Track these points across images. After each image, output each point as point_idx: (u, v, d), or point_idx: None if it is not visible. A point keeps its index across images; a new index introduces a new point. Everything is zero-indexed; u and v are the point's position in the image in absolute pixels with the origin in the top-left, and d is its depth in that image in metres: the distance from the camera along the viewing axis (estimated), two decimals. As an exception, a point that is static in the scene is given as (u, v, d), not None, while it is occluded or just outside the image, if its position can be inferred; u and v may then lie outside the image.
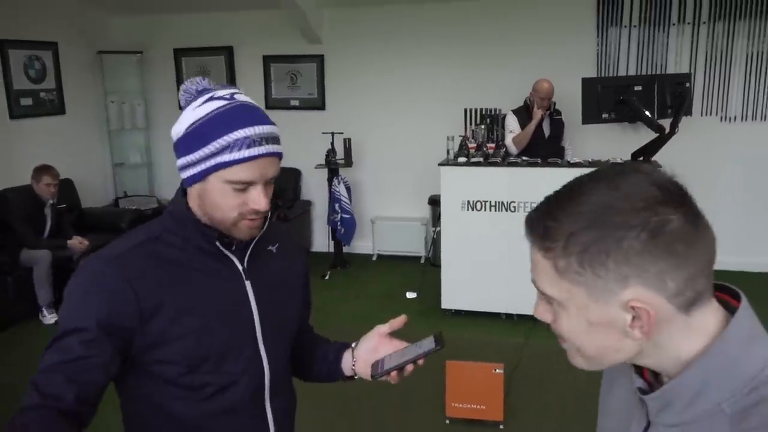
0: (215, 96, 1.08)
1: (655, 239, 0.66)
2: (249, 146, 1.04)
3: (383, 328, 1.27)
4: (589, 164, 4.34)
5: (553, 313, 0.75)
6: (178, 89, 5.59)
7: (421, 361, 1.19)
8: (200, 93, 1.11)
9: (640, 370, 0.79)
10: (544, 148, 4.89)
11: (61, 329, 1.04)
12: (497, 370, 3.16)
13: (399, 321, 1.26)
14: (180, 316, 1.09)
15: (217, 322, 1.12)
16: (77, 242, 4.99)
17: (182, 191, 1.17)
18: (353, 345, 1.31)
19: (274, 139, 1.09)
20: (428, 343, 1.19)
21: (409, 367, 1.19)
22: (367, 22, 6.13)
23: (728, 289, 0.75)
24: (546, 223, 0.71)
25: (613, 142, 5.26)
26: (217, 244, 1.14)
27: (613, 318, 0.70)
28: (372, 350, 1.26)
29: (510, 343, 4.20)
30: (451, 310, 4.75)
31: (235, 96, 1.10)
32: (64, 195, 5.47)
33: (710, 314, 0.71)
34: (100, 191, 6.66)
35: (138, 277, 1.06)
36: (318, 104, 6.42)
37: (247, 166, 1.05)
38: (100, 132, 6.73)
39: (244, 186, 1.07)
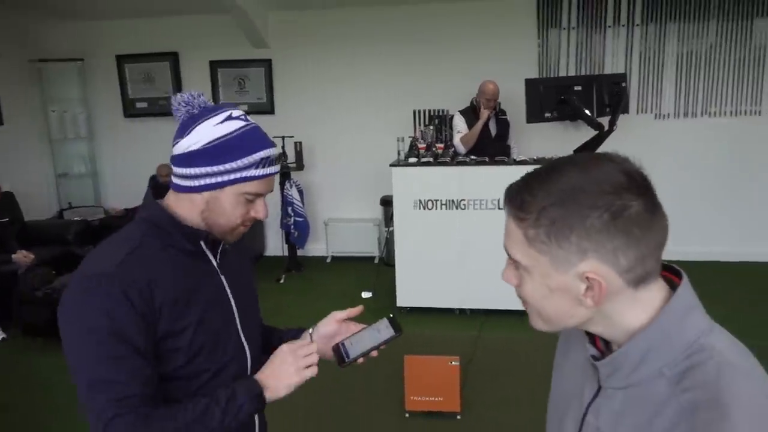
0: (233, 116, 1.19)
1: (615, 220, 0.75)
2: (270, 165, 1.20)
3: (340, 315, 1.38)
4: (534, 162, 4.49)
5: (519, 278, 0.85)
6: (122, 96, 5.43)
7: (383, 346, 1.31)
8: (213, 110, 1.19)
9: (593, 339, 0.88)
10: (491, 147, 5.03)
11: (101, 349, 1.08)
12: (453, 363, 3.26)
13: (356, 310, 1.38)
14: (178, 315, 1.16)
15: (207, 316, 1.21)
16: (22, 256, 4.85)
17: (152, 197, 1.24)
18: (310, 330, 1.40)
19: (278, 159, 1.24)
20: (385, 328, 1.32)
21: (373, 353, 1.31)
22: (313, 26, 6.17)
23: (672, 269, 0.85)
24: (523, 196, 0.80)
25: (556, 140, 5.46)
26: (201, 243, 1.23)
27: (569, 286, 0.79)
28: (330, 335, 1.37)
29: (464, 337, 4.32)
30: (406, 307, 4.84)
31: (248, 117, 1.22)
32: (6, 208, 5.32)
33: (656, 290, 0.81)
34: (43, 203, 6.48)
35: (139, 285, 1.12)
36: (267, 108, 6.42)
37: (263, 181, 1.20)
38: (42, 142, 6.55)
39: (254, 198, 1.21)
